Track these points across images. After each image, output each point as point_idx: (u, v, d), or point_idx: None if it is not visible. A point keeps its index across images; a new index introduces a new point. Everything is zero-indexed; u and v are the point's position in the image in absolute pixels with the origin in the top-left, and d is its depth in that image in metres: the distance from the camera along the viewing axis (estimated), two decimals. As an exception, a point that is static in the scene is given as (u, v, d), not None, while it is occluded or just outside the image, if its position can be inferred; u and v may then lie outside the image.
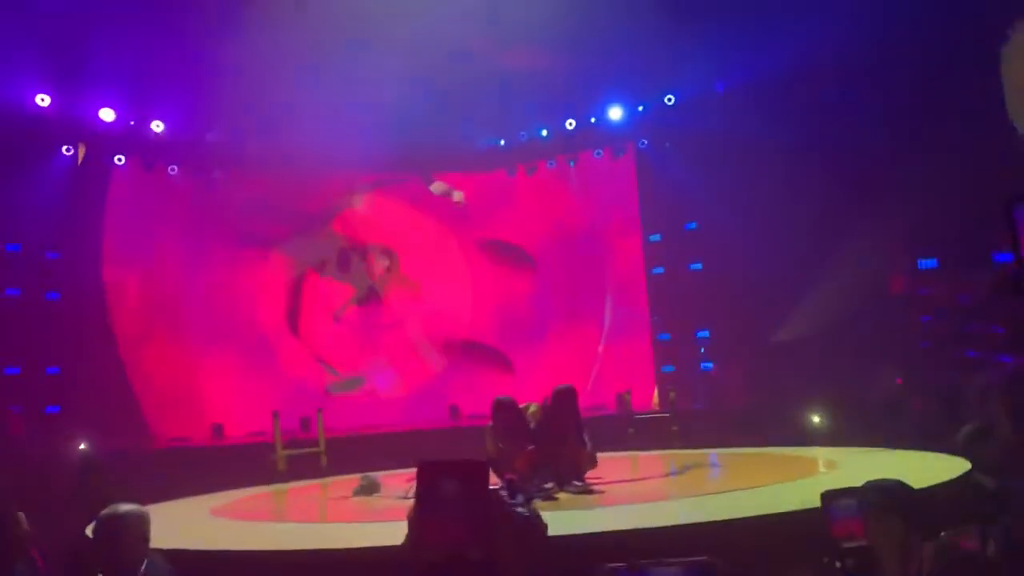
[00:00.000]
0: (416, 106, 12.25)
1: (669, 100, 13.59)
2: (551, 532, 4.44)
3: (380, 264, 15.56)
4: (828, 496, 3.21)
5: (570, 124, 14.33)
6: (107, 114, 12.90)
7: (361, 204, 15.50)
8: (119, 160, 13.48)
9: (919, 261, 12.26)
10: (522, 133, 14.78)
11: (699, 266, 13.87)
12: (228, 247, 14.39)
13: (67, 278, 12.70)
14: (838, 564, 2.79)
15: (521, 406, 7.26)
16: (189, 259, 14.10)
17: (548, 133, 14.72)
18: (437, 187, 15.30)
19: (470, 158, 14.87)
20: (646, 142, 14.44)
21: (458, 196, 15.20)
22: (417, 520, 2.92)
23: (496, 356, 15.28)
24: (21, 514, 4.59)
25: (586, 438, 6.90)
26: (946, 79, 10.62)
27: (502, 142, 15.03)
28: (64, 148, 12.81)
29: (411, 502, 3.17)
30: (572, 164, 15.23)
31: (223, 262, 14.37)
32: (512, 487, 5.89)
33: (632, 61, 12.55)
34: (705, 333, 13.94)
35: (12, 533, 4.49)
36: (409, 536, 3.17)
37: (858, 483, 3.15)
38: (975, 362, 11.11)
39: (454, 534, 2.74)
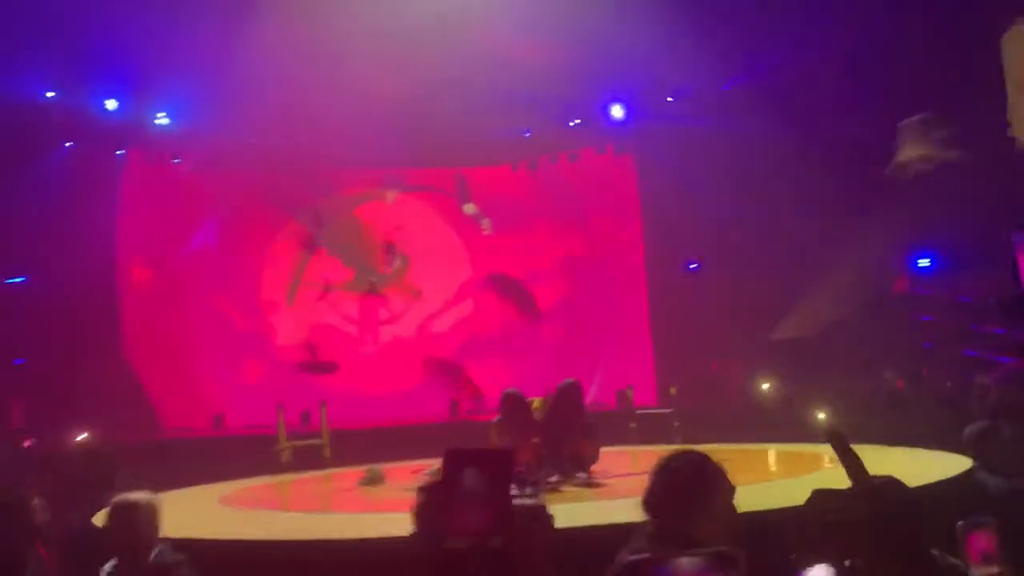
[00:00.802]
0: (419, 99, 12.26)
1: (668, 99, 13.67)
2: (558, 524, 4.51)
3: (391, 263, 15.58)
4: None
5: (573, 122, 14.37)
6: (111, 105, 12.93)
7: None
8: (121, 153, 13.52)
9: (919, 261, 12.34)
10: (526, 130, 14.75)
11: (699, 263, 13.90)
12: (234, 236, 14.41)
13: (72, 268, 12.70)
14: (847, 563, 2.81)
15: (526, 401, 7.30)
16: (195, 249, 14.16)
17: (550, 129, 14.72)
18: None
19: (473, 152, 14.83)
20: (647, 140, 14.48)
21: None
22: (442, 508, 2.94)
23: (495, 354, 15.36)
24: (38, 500, 4.66)
25: (590, 432, 6.96)
26: (947, 75, 10.66)
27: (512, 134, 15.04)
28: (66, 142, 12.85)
29: (415, 494, 3.21)
30: (573, 160, 15.26)
31: (228, 251, 14.39)
32: (520, 478, 5.96)
33: (634, 58, 12.57)
34: (706, 330, 13.98)
35: (29, 521, 4.61)
36: (420, 527, 3.16)
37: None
38: (975, 362, 11.19)
39: (480, 522, 2.76)
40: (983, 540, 2.14)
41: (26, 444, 10.60)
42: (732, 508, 2.83)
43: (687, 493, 2.74)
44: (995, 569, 2.22)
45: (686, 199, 13.87)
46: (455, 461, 3.06)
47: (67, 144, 12.82)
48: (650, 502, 2.80)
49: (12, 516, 4.28)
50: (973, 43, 10.82)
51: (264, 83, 11.78)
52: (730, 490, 2.84)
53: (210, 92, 12.44)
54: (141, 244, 13.90)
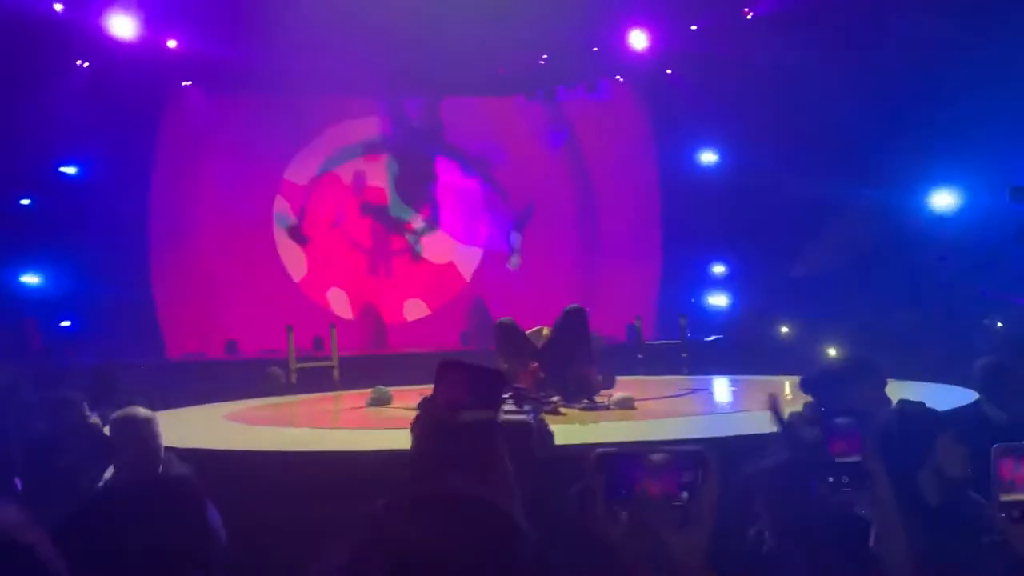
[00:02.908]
0: (426, 27, 11.99)
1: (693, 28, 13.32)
2: (557, 441, 4.53)
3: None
4: (826, 415, 3.24)
5: (595, 48, 14.04)
6: (120, 24, 12.65)
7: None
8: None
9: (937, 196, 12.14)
10: (542, 57, 14.47)
11: (716, 197, 13.74)
12: (247, 162, 14.39)
13: (93, 192, 12.75)
14: (831, 479, 2.82)
15: (533, 330, 7.29)
16: (212, 178, 14.17)
17: (567, 57, 14.42)
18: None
19: (484, 82, 14.56)
20: (670, 71, 14.21)
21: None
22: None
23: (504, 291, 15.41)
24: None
25: (596, 358, 6.96)
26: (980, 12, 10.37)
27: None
28: (79, 61, 12.71)
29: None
30: (591, 90, 15.01)
31: (245, 181, 14.38)
32: (519, 397, 5.98)
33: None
34: (721, 263, 13.96)
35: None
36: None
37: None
38: (990, 301, 11.10)
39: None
40: (1014, 466, 2.12)
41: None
42: None
43: None
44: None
45: (706, 131, 13.71)
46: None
47: (81, 63, 12.67)
48: None
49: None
50: None
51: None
52: None
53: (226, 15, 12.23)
54: (159, 169, 13.90)
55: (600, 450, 2.42)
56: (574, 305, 7.30)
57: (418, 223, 15.64)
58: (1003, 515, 2.12)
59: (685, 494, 2.23)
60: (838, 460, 2.71)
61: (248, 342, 13.71)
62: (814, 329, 11.12)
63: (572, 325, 7.01)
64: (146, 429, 4.22)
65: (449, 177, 15.77)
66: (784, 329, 12.39)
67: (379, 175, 15.59)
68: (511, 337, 6.95)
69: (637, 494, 2.28)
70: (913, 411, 3.15)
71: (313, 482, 4.86)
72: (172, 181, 14.00)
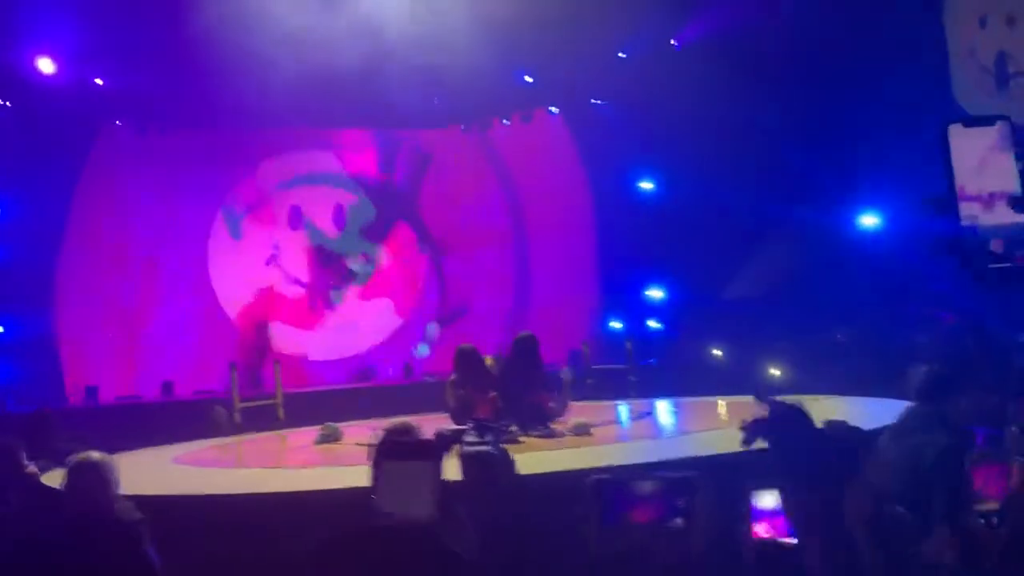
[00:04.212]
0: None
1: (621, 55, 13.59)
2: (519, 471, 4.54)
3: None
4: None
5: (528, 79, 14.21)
6: (46, 65, 12.39)
7: None
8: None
9: (863, 217, 12.54)
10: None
11: (650, 223, 13.98)
12: (179, 199, 14.14)
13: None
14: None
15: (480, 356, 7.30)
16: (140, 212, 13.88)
17: (503, 90, 14.54)
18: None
19: (421, 115, 14.59)
20: (598, 101, 14.46)
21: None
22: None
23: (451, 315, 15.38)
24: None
25: (550, 385, 6.99)
26: (895, 28, 10.80)
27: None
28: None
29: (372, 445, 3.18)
30: (526, 121, 15.17)
31: (175, 214, 14.12)
32: (481, 427, 5.97)
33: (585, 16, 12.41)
34: (657, 288, 14.19)
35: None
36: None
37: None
38: (918, 317, 11.48)
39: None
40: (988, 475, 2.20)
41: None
42: None
43: None
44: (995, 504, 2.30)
45: (637, 160, 13.96)
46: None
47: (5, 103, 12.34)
48: None
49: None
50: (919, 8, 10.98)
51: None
52: None
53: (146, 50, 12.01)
54: (88, 208, 13.55)
55: (595, 476, 2.46)
56: (525, 333, 7.35)
57: (356, 265, 15.49)
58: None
59: (679, 520, 2.28)
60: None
61: (183, 383, 13.38)
62: (748, 350, 11.37)
63: (524, 353, 7.05)
64: (102, 474, 4.11)
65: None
66: (717, 352, 12.61)
67: (324, 209, 15.45)
68: (471, 364, 6.95)
69: (631, 520, 2.32)
70: (838, 430, 3.25)
71: (272, 523, 4.78)
72: (95, 219, 13.62)
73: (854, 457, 3.26)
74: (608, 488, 2.36)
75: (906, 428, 4.08)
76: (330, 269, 15.33)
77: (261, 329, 14.52)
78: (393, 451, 2.50)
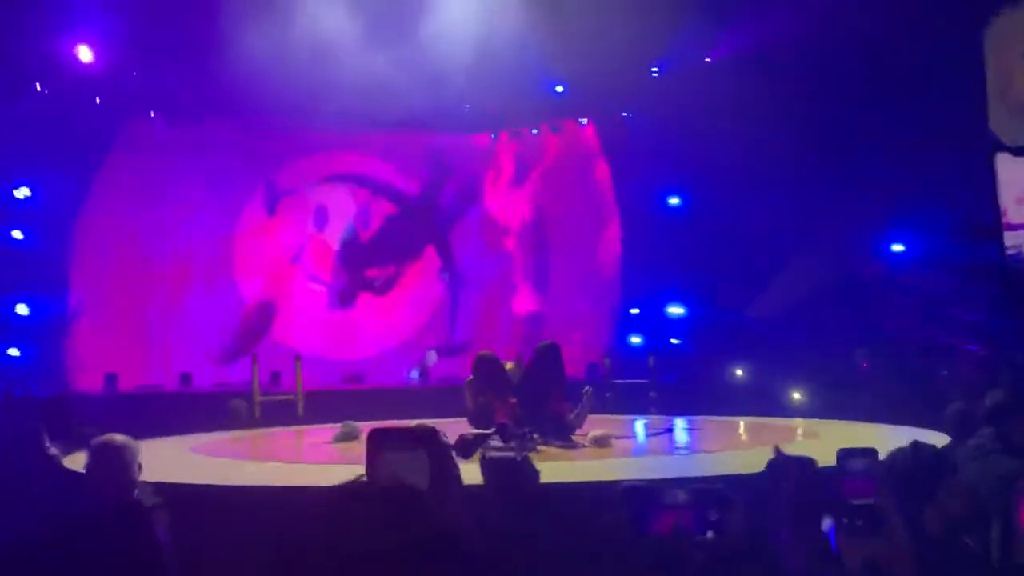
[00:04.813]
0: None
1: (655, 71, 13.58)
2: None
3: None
4: (842, 454, 3.25)
5: (559, 88, 14.21)
6: (85, 54, 12.55)
7: None
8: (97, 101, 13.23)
9: (893, 246, 12.43)
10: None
11: (676, 239, 13.92)
12: (208, 195, 14.21)
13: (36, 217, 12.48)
14: (845, 520, 2.83)
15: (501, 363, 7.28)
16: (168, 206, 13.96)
17: (533, 99, 14.53)
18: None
19: (450, 120, 14.59)
20: (627, 113, 14.43)
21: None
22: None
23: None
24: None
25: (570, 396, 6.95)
26: (928, 56, 10.71)
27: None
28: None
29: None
30: (555, 131, 15.17)
31: (202, 207, 14.19)
32: (504, 433, 5.94)
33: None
34: (679, 305, 14.11)
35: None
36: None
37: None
38: (944, 348, 11.33)
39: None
40: None
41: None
42: None
43: None
44: None
45: (666, 175, 13.92)
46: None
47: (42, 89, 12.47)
48: None
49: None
50: (958, 30, 10.86)
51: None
52: None
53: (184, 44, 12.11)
54: (112, 196, 13.64)
55: (627, 484, 2.42)
56: (548, 342, 7.31)
57: (376, 279, 15.49)
58: None
59: (710, 533, 2.24)
60: (853, 502, 2.71)
61: (202, 375, 13.43)
62: (770, 371, 11.28)
63: (546, 361, 7.01)
64: (124, 456, 4.12)
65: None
66: (738, 372, 12.52)
67: (353, 213, 15.46)
68: (492, 371, 6.93)
69: (662, 529, 2.28)
70: (927, 453, 3.21)
71: (279, 517, 4.75)
72: (120, 208, 13.70)
73: (936, 480, 3.20)
74: (640, 496, 2.31)
75: (975, 452, 4.05)
76: (350, 274, 15.35)
77: (264, 313, 14.54)
78: (383, 440, 2.49)
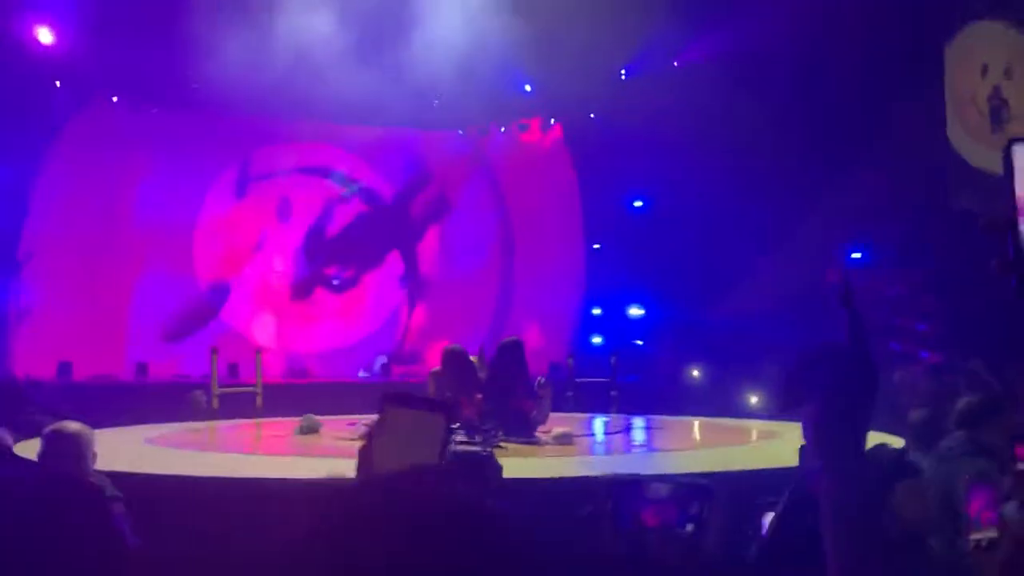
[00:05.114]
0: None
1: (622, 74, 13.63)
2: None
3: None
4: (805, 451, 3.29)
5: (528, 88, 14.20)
6: (44, 35, 12.25)
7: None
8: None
9: (852, 254, 12.59)
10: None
11: (638, 244, 13.99)
12: (170, 182, 13.95)
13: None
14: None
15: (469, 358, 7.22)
16: (131, 197, 13.69)
17: (502, 98, 14.49)
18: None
19: (419, 116, 14.50)
20: (593, 115, 14.46)
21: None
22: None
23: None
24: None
25: (533, 392, 6.92)
26: (896, 59, 10.87)
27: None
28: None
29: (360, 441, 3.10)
30: (523, 130, 15.16)
31: (162, 194, 13.93)
32: (470, 427, 5.90)
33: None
34: (641, 306, 14.18)
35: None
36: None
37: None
38: (898, 355, 11.50)
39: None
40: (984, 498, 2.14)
41: None
42: None
43: None
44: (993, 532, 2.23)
45: (631, 178, 13.98)
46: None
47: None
48: None
49: None
50: (919, 44, 11.03)
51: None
52: None
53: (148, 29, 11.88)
54: (68, 185, 13.34)
55: (610, 477, 2.41)
56: (512, 338, 7.27)
57: (336, 278, 15.35)
58: None
59: (690, 526, 2.24)
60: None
61: (157, 366, 13.18)
62: (729, 373, 11.39)
63: (510, 357, 6.97)
64: (80, 444, 4.04)
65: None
66: (695, 373, 12.61)
67: (319, 207, 15.29)
68: (460, 365, 6.86)
69: (643, 522, 2.27)
70: (889, 454, 3.24)
71: (237, 509, 4.68)
72: (80, 193, 13.40)
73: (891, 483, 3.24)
74: (621, 489, 2.29)
75: (947, 454, 4.10)
76: (310, 269, 15.18)
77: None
78: (402, 400, 2.37)
